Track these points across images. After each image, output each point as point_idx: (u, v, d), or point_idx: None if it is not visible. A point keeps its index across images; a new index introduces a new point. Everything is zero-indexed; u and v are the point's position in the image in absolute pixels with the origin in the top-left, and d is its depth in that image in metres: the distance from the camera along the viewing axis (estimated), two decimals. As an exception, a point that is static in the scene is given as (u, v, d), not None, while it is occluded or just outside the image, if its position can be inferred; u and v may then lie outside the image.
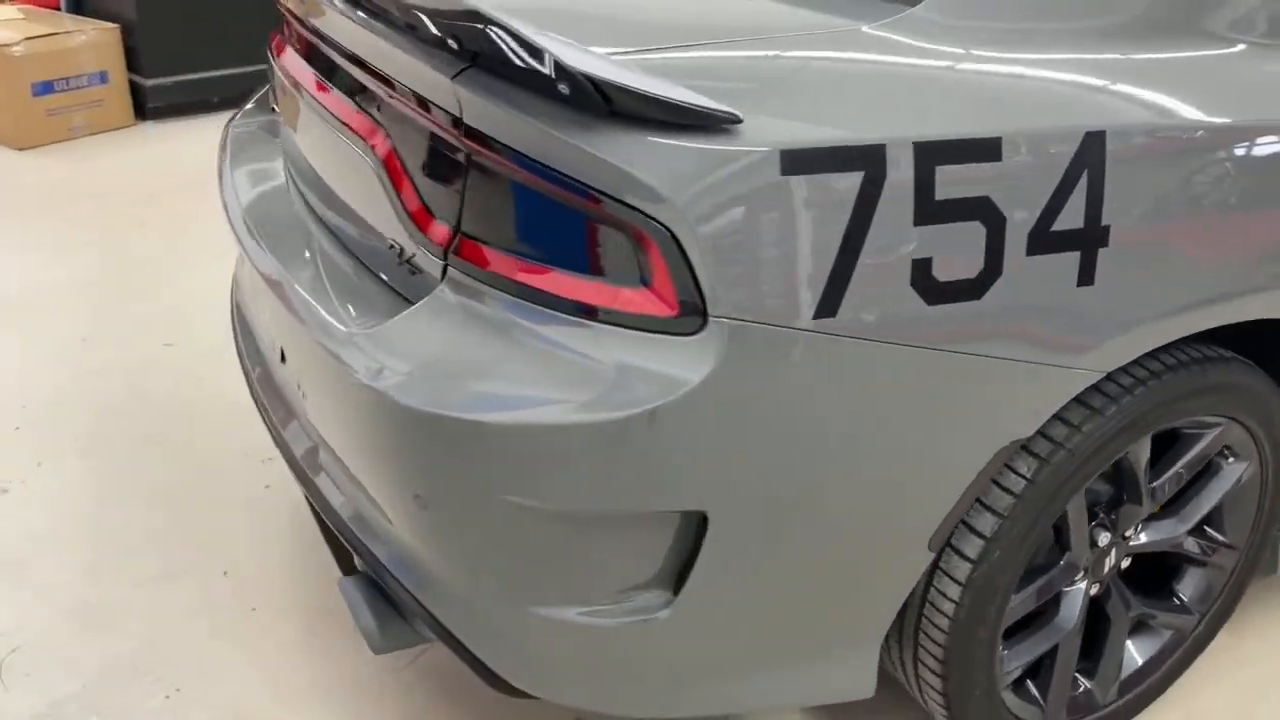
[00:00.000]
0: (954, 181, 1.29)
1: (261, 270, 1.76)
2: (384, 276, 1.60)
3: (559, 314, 1.32)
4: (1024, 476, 1.51)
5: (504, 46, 1.21)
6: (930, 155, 1.27)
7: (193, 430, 2.76)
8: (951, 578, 1.55)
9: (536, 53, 1.18)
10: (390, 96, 1.50)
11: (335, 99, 1.67)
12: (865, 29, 1.42)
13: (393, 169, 1.50)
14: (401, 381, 1.38)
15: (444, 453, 1.37)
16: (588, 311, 1.31)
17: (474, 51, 1.28)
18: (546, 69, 1.18)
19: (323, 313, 1.54)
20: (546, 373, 1.32)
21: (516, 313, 1.35)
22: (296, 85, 1.86)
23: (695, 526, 1.37)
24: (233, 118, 2.35)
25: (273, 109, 2.26)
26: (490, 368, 1.35)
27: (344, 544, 1.68)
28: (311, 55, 1.80)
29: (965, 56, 1.39)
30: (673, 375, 1.26)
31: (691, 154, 1.21)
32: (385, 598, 1.63)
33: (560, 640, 1.46)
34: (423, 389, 1.36)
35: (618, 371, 1.29)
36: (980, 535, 1.53)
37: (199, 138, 4.94)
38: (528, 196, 1.32)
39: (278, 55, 2.03)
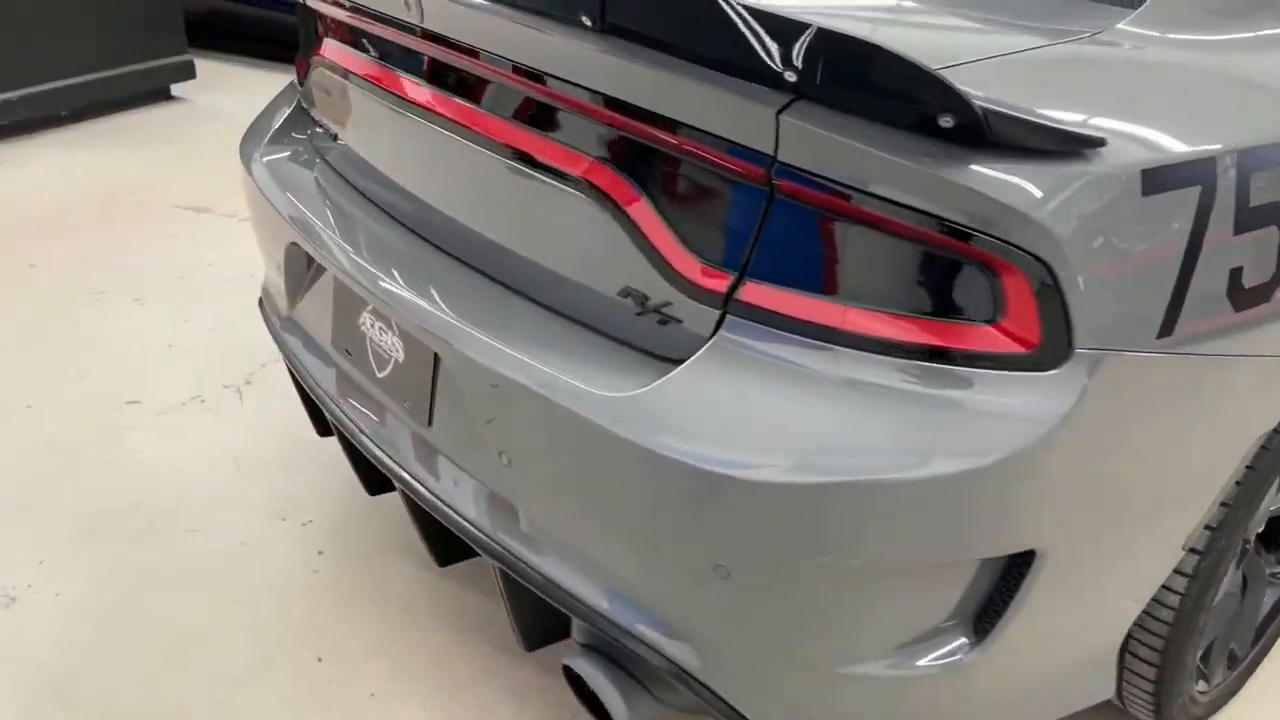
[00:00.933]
0: (1263, 187, 1.28)
1: (412, 323, 1.59)
2: (604, 329, 1.45)
3: (889, 358, 1.22)
4: (1250, 466, 1.54)
5: (892, 78, 1.12)
6: (1248, 162, 1.26)
7: (206, 500, 2.47)
8: (1180, 572, 1.57)
9: (927, 83, 1.08)
10: (635, 133, 1.35)
11: (514, 132, 1.50)
12: (1122, 27, 1.38)
13: (636, 212, 1.35)
14: (704, 446, 1.25)
15: (762, 519, 1.25)
16: (924, 353, 1.22)
17: (802, 82, 1.16)
18: (932, 101, 1.08)
19: (559, 374, 1.38)
20: (881, 423, 1.22)
21: (830, 361, 1.24)
22: (404, 112, 1.71)
23: (1017, 564, 1.32)
24: (251, 154, 2.11)
25: (327, 136, 2.03)
26: (810, 423, 1.24)
27: (550, 614, 1.56)
28: (460, 85, 1.62)
29: (1232, 45, 1.39)
30: (1032, 414, 1.19)
31: (1062, 179, 1.15)
32: (625, 671, 1.50)
33: (867, 696, 1.38)
34: (734, 453, 1.24)
35: (967, 416, 1.21)
36: (1208, 527, 1.54)
37: (51, 158, 4.46)
38: (857, 235, 1.21)
39: (356, 77, 1.83)
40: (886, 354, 1.23)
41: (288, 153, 2.09)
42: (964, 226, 1.16)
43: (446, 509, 1.64)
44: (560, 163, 1.43)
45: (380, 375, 1.76)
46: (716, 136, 1.26)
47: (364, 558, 2.29)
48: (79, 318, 3.25)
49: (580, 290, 1.47)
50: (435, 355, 1.61)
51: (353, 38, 1.87)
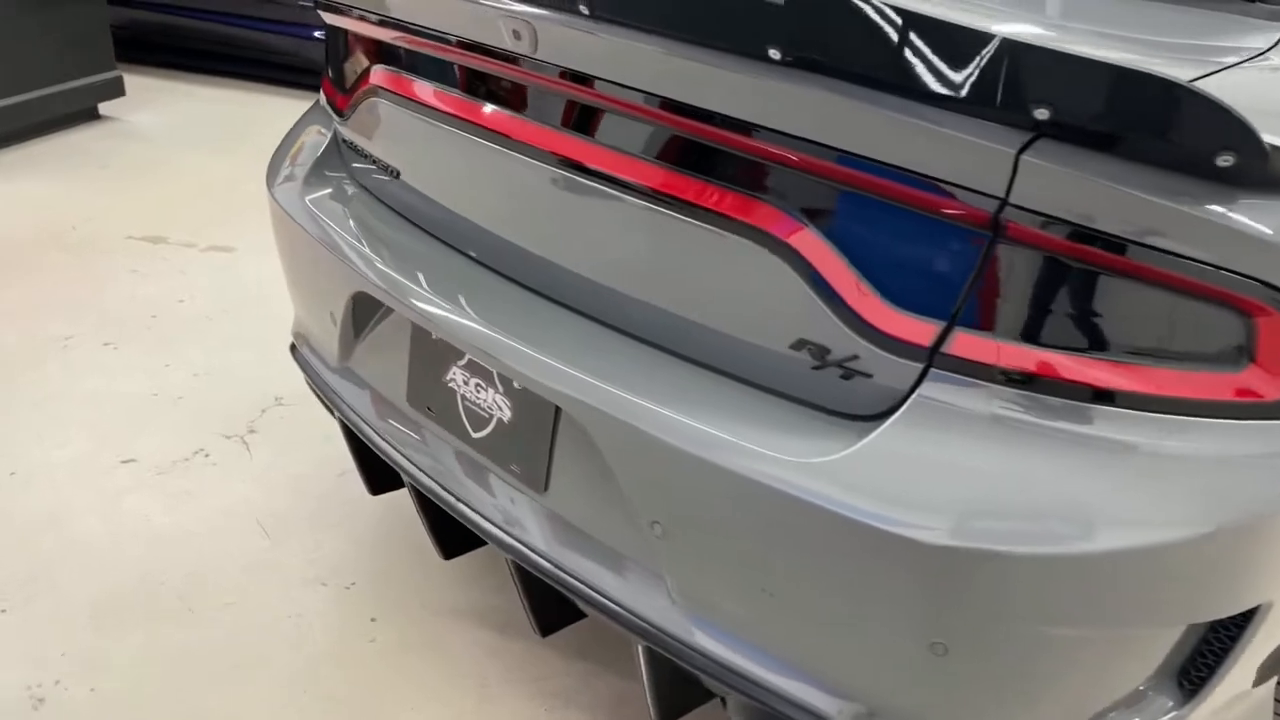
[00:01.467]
0: None
1: (534, 380, 1.44)
2: (764, 384, 1.32)
3: (1123, 410, 1.12)
4: None
5: (1172, 113, 1.02)
6: None
7: (235, 567, 2.26)
8: None
9: (1217, 118, 0.98)
10: (820, 173, 1.22)
11: (662, 175, 1.36)
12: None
13: (818, 258, 1.22)
14: (926, 517, 1.13)
15: (991, 592, 1.14)
16: (1163, 404, 1.12)
17: (1055, 119, 1.04)
18: (1216, 137, 0.98)
19: (736, 439, 1.25)
20: (1123, 482, 1.12)
21: (1054, 416, 1.13)
22: (509, 152, 1.56)
23: (1238, 618, 1.23)
24: (288, 192, 1.92)
25: (382, 173, 1.86)
26: (1045, 487, 1.13)
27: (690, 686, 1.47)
28: (585, 124, 1.47)
29: None
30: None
31: None
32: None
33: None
34: (961, 522, 1.13)
35: (1218, 470, 1.11)
36: None
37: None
38: (1097, 281, 1.10)
39: (437, 112, 1.69)
40: (1120, 406, 1.12)
41: (332, 190, 1.92)
42: (1223, 269, 1.06)
43: (563, 575, 1.51)
44: (723, 207, 1.29)
45: (476, 436, 1.61)
46: (928, 177, 1.14)
47: (422, 623, 2.12)
48: (49, 369, 2.99)
49: (737, 343, 1.34)
50: (555, 415, 1.46)
51: (436, 69, 1.70)
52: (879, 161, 1.17)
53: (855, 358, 1.23)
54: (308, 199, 1.88)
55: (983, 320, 1.16)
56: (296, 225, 1.85)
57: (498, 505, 1.61)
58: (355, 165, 1.94)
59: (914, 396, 1.19)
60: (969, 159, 1.11)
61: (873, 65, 1.14)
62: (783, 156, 1.25)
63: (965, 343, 1.16)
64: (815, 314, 1.24)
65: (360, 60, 1.86)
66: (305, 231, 1.83)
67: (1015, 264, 1.13)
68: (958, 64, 1.07)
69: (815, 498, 1.18)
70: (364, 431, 1.84)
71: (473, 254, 1.68)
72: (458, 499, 1.66)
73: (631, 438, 1.32)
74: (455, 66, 1.65)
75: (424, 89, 1.70)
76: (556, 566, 1.52)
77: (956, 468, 1.16)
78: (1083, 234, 1.08)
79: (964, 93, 1.07)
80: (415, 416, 1.74)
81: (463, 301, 1.59)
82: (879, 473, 1.17)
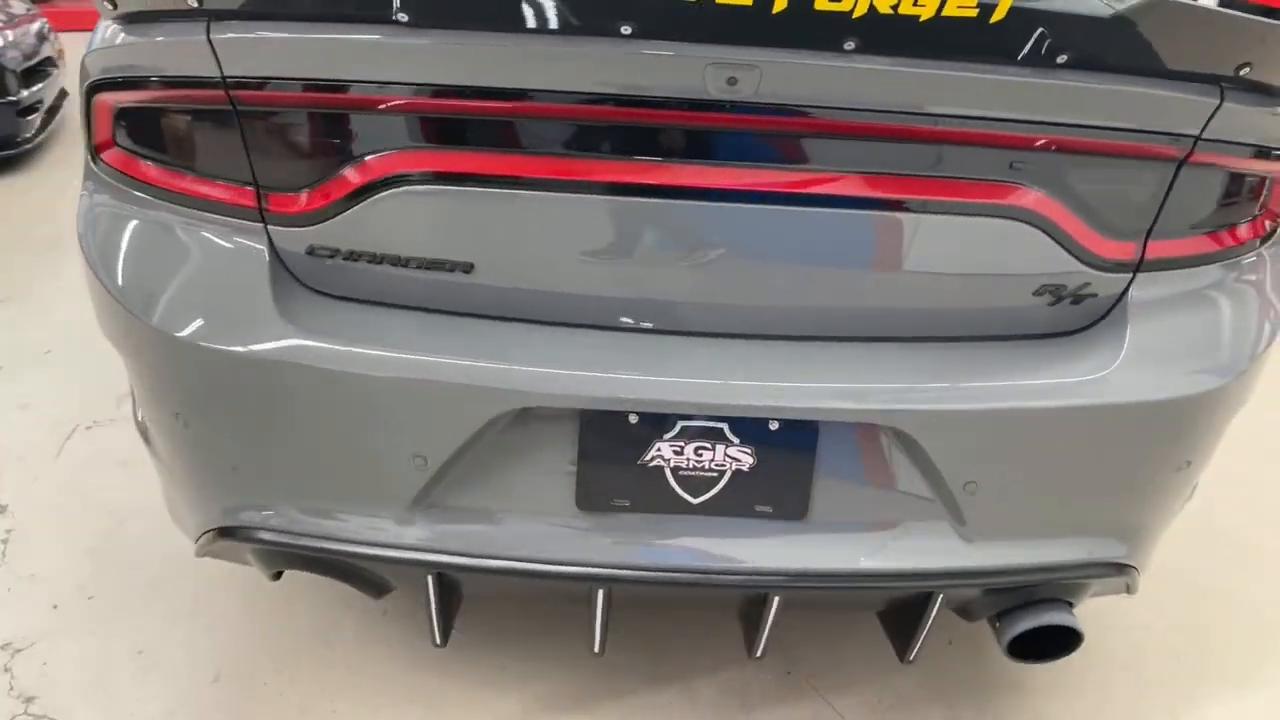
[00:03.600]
0: None
1: (788, 409, 1.56)
2: (1005, 334, 1.64)
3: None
4: None
5: None
6: None
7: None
8: None
9: None
10: (1055, 147, 1.49)
11: (894, 183, 1.51)
12: None
13: (1056, 215, 1.53)
14: (1187, 377, 1.60)
15: (1213, 417, 1.66)
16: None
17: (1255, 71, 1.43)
18: None
19: (1029, 381, 1.58)
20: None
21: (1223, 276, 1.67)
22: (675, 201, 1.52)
23: None
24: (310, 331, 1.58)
25: (430, 270, 1.59)
26: (1237, 329, 1.65)
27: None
28: (794, 152, 1.52)
29: None
30: None
31: None
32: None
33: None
34: (1209, 368, 1.62)
35: None
36: None
37: None
38: (1246, 181, 1.61)
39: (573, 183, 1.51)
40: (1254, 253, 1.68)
41: (351, 316, 1.60)
42: None
43: (832, 583, 1.68)
44: (969, 196, 1.51)
45: (698, 500, 1.63)
46: (1134, 130, 1.48)
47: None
48: None
49: (976, 312, 1.61)
50: (815, 433, 1.59)
51: (557, 135, 1.51)
52: (1099, 126, 1.48)
53: (1086, 284, 1.59)
54: (322, 340, 1.55)
55: (1170, 229, 1.59)
56: (326, 373, 1.54)
57: (733, 555, 1.65)
58: (364, 276, 1.60)
59: (1126, 297, 1.61)
60: (1174, 110, 1.48)
61: (1114, 50, 1.43)
62: (1023, 140, 1.49)
63: (1158, 247, 1.60)
64: (1055, 260, 1.56)
65: (358, 146, 1.52)
66: (358, 375, 1.54)
67: (1195, 182, 1.56)
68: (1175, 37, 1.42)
69: (1116, 396, 1.57)
70: (469, 564, 1.65)
71: (627, 321, 1.61)
72: (656, 573, 1.64)
73: (947, 421, 1.55)
74: (599, 128, 1.50)
75: (530, 162, 1.51)
76: (825, 576, 1.66)
77: (1182, 333, 1.62)
78: (1260, 151, 1.55)
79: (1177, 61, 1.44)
80: (585, 520, 1.64)
81: (675, 368, 1.56)
82: (1145, 363, 1.59)
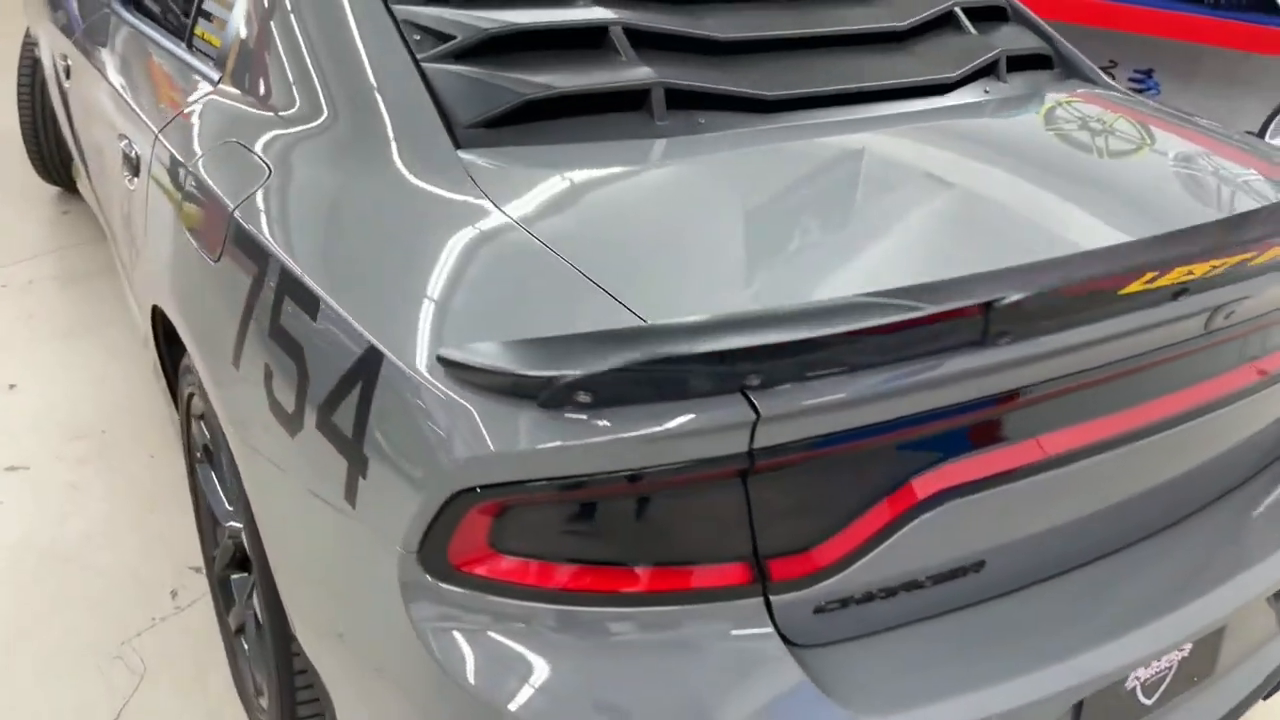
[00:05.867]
0: None
1: None
2: None
3: None
4: None
5: None
6: None
7: None
8: None
9: None
10: None
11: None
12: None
13: None
14: None
15: None
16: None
17: None
18: None
19: None
20: None
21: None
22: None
23: None
24: None
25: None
26: None
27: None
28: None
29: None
30: None
31: None
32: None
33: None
34: None
35: None
36: None
37: None
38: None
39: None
40: None
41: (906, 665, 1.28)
42: None
43: None
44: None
45: (1152, 700, 1.44)
46: None
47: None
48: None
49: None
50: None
51: (1058, 412, 1.33)
52: None
53: None
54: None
55: None
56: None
57: None
58: (860, 615, 1.29)
59: None
60: None
61: None
62: None
63: None
64: None
65: (900, 470, 1.25)
66: None
67: None
68: None
69: None
70: None
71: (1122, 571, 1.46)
72: None
73: None
74: (1114, 389, 1.37)
75: (1059, 438, 1.34)
76: None
77: None
78: None
79: None
80: None
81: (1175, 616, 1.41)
82: None
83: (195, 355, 1.68)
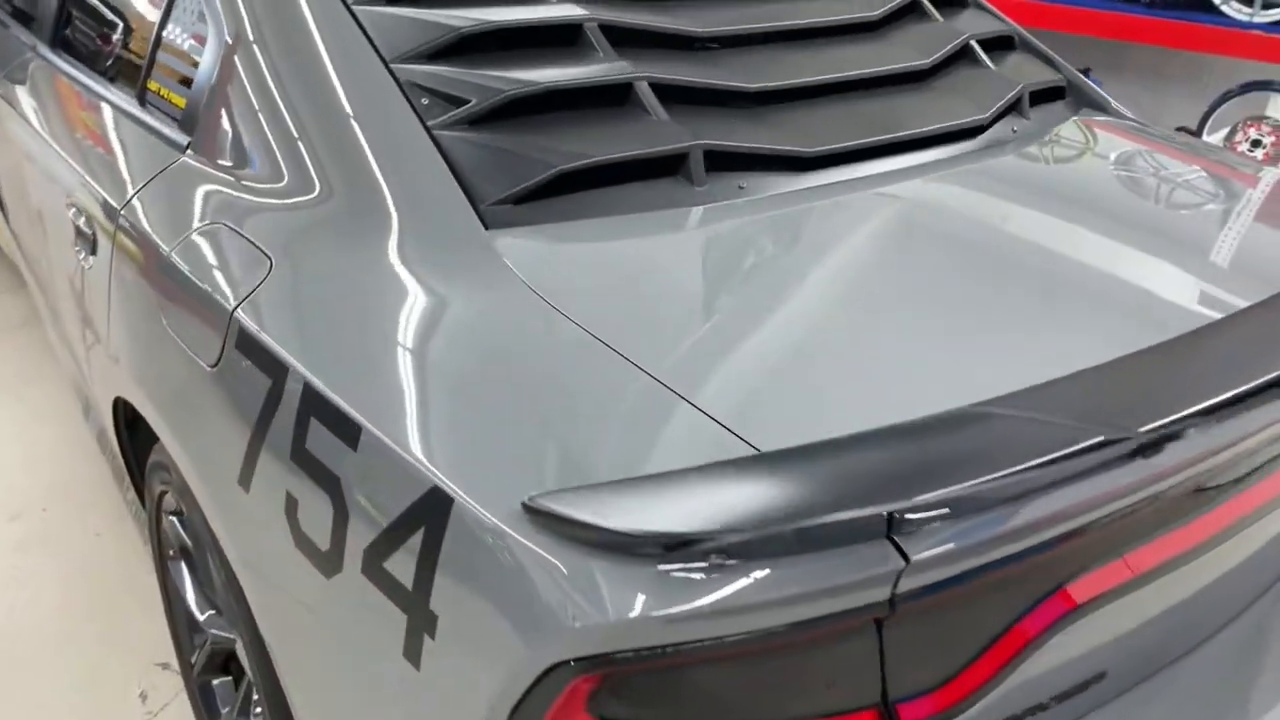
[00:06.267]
0: None
1: None
2: None
3: None
4: None
5: None
6: None
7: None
8: None
9: None
10: None
11: None
12: None
13: None
14: None
15: None
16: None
17: None
18: None
19: None
20: None
21: None
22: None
23: None
24: None
25: None
26: None
27: None
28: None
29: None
30: None
31: None
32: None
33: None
34: None
35: None
36: None
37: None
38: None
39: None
40: None
41: None
42: None
43: None
44: None
45: None
46: None
47: None
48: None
49: None
50: None
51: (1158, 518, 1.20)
52: None
53: None
54: None
55: None
56: None
57: None
58: None
59: None
60: None
61: None
62: None
63: None
64: None
65: (1030, 593, 1.12)
66: None
67: None
68: None
69: None
70: None
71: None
72: None
73: None
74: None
75: (1173, 541, 1.22)
76: None
77: None
78: None
79: None
80: None
81: None
82: None
83: (185, 467, 1.47)
